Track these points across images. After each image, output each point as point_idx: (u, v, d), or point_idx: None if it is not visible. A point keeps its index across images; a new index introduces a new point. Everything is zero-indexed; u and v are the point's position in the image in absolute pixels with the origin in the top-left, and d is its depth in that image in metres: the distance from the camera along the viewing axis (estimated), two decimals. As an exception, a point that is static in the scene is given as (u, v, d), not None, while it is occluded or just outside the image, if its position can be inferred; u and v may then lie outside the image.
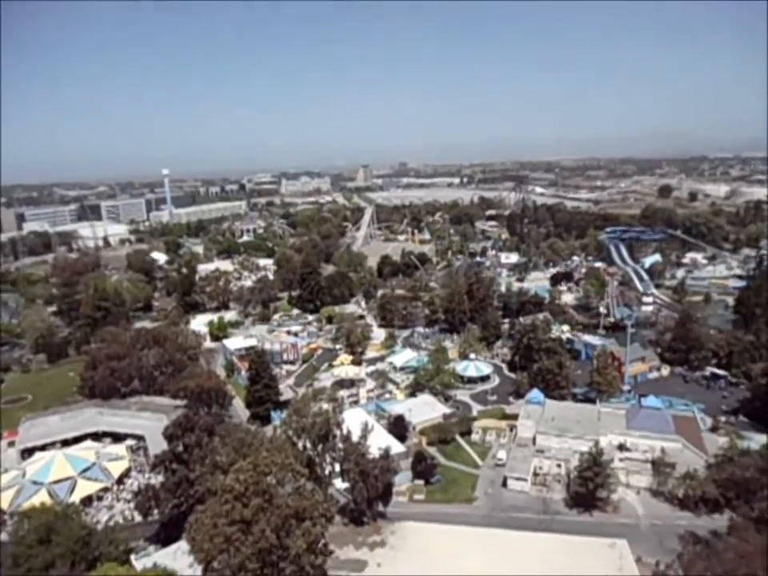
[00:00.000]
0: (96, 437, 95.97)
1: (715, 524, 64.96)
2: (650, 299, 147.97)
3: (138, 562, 60.76)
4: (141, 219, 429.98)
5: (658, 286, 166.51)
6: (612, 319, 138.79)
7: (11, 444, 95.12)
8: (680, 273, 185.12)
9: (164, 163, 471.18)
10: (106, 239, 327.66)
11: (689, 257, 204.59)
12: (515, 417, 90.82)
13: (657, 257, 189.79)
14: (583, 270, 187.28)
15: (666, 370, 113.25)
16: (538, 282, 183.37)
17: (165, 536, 67.80)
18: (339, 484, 70.54)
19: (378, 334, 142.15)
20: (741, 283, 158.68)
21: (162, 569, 55.43)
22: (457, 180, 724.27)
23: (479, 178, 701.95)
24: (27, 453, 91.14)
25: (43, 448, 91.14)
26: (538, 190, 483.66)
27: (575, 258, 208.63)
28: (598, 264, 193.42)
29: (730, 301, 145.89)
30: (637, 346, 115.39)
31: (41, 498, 73.63)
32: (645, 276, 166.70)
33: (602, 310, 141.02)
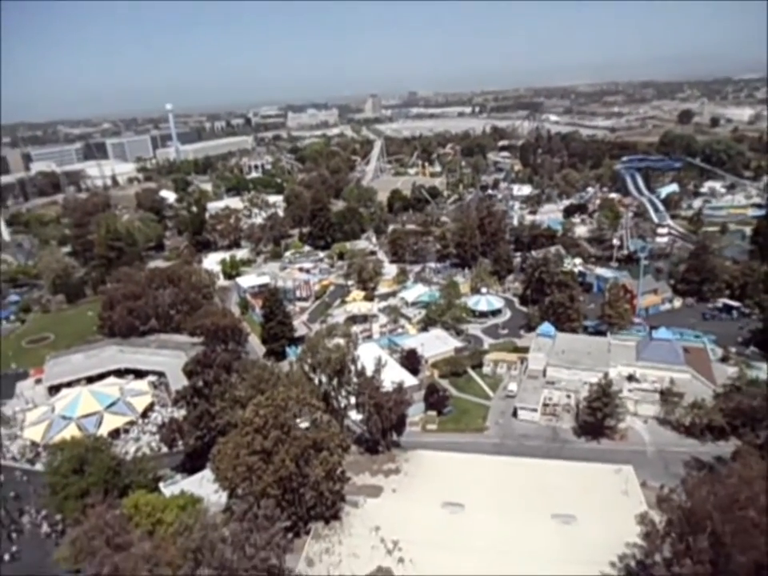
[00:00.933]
0: (118, 373, 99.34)
1: (720, 451, 66.76)
2: (664, 230, 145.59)
3: (167, 489, 64.32)
4: (147, 157, 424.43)
5: (674, 217, 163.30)
6: (625, 251, 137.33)
7: (38, 381, 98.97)
8: (697, 202, 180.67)
9: (167, 98, 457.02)
10: (113, 178, 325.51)
11: (707, 186, 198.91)
12: (526, 350, 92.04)
13: (674, 186, 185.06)
14: (597, 202, 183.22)
15: (678, 302, 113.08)
16: (551, 214, 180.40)
17: (190, 465, 71.39)
18: (354, 416, 72.93)
19: (390, 269, 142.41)
20: (759, 212, 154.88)
21: (190, 495, 58.68)
22: (468, 109, 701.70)
23: (491, 107, 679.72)
24: (54, 389, 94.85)
25: (69, 385, 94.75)
26: (553, 118, 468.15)
27: (590, 188, 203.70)
28: (613, 195, 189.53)
29: (748, 231, 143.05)
30: (650, 278, 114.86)
31: (71, 431, 77.40)
32: (660, 206, 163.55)
33: (616, 242, 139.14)
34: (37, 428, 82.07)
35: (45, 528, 64.83)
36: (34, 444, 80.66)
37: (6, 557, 61.76)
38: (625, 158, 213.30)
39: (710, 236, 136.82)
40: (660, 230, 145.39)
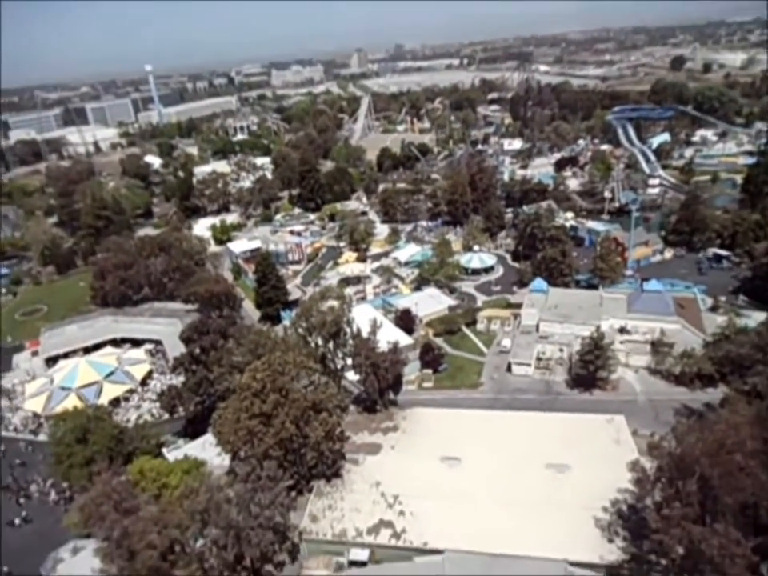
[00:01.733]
0: (115, 343, 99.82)
1: (709, 398, 68.62)
2: (656, 181, 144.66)
3: (170, 454, 65.73)
4: (129, 121, 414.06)
5: (665, 167, 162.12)
6: (617, 204, 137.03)
7: (35, 353, 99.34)
8: (689, 152, 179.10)
9: (146, 58, 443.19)
10: (96, 144, 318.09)
11: (699, 134, 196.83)
12: (519, 306, 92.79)
13: (665, 136, 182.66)
14: (589, 154, 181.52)
15: (669, 253, 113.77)
16: (542, 168, 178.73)
17: (191, 430, 72.80)
18: (351, 376, 73.96)
19: (381, 229, 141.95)
20: (751, 160, 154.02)
21: (193, 459, 59.98)
22: (456, 61, 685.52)
23: (480, 58, 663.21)
24: (51, 361, 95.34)
25: (65, 356, 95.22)
26: (543, 68, 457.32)
27: (581, 141, 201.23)
28: (605, 146, 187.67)
29: (739, 179, 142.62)
30: (641, 230, 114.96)
31: (71, 401, 78.40)
32: (652, 157, 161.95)
33: (607, 194, 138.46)
34: (37, 399, 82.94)
35: (53, 495, 66.45)
36: (35, 415, 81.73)
37: (17, 521, 63.50)
38: (616, 109, 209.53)
39: (700, 186, 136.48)
40: (651, 181, 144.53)
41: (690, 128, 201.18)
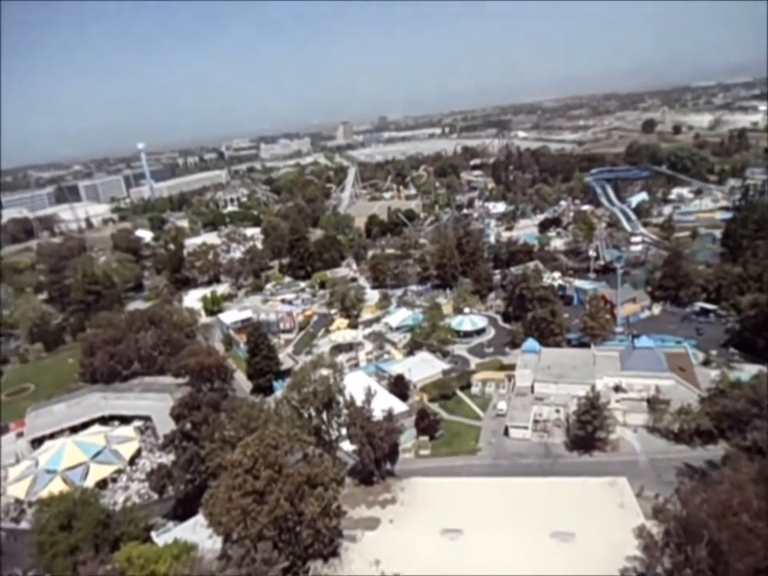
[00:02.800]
0: (103, 421, 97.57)
1: (710, 455, 67.61)
2: (638, 239, 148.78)
3: (159, 539, 62.77)
4: (121, 196, 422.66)
5: (645, 225, 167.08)
6: (602, 262, 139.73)
7: (20, 435, 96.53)
8: (667, 209, 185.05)
9: (138, 137, 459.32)
10: (88, 220, 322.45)
11: (675, 192, 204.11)
12: (513, 367, 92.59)
13: (643, 195, 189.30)
14: (571, 214, 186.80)
15: (657, 309, 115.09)
16: (526, 229, 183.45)
17: (182, 511, 69.92)
18: (347, 446, 72.33)
19: (372, 295, 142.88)
20: (727, 215, 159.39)
21: (183, 543, 57.23)
22: (438, 130, 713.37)
23: (461, 126, 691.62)
24: (37, 442, 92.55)
25: (51, 436, 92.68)
26: (521, 134, 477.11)
27: (562, 202, 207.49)
28: (586, 207, 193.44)
29: (718, 234, 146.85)
30: (627, 287, 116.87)
31: (56, 485, 75.58)
32: (632, 215, 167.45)
33: (592, 253, 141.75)
34: (21, 484, 79.84)
35: (34, 589, 62.73)
36: (18, 501, 78.39)
37: None
38: (594, 170, 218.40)
39: (682, 241, 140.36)
40: (634, 239, 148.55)
41: (666, 186, 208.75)
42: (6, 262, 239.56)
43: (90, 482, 77.95)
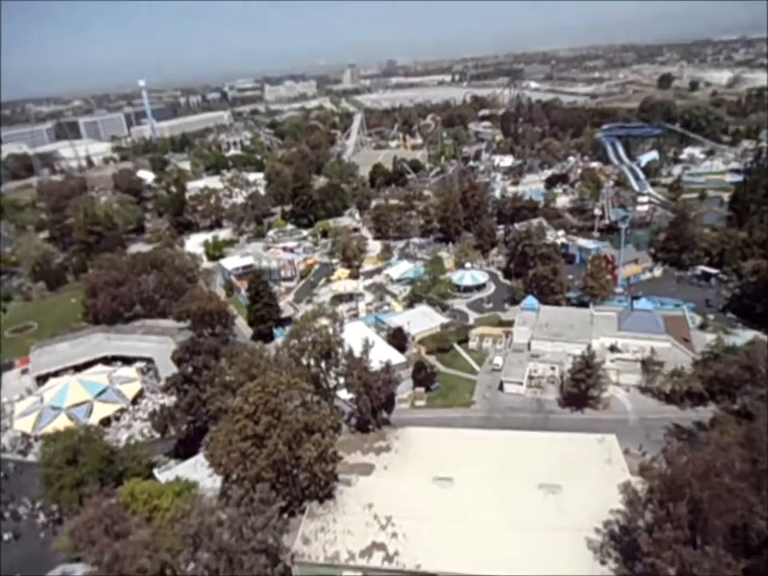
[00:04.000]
0: (106, 361, 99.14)
1: (699, 416, 69.34)
2: (645, 199, 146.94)
3: (161, 475, 65.19)
4: (122, 135, 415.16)
5: (654, 185, 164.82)
6: (607, 221, 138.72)
7: (24, 371, 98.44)
8: (677, 169, 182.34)
9: (139, 73, 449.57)
10: (88, 159, 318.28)
11: (686, 152, 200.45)
12: (511, 323, 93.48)
13: (654, 154, 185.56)
14: (579, 171, 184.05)
15: (658, 271, 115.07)
16: (533, 185, 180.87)
17: (183, 450, 72.30)
18: (344, 394, 73.91)
19: (374, 246, 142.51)
20: (737, 178, 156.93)
21: (185, 480, 59.55)
22: (448, 77, 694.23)
23: (472, 74, 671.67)
24: (41, 379, 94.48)
25: (56, 374, 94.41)
26: (533, 85, 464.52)
27: (571, 158, 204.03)
28: (594, 164, 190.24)
29: (726, 197, 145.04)
30: (630, 248, 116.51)
31: (61, 421, 77.77)
32: (641, 175, 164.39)
33: (597, 212, 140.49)
34: (27, 419, 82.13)
35: (42, 518, 65.61)
36: (24, 435, 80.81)
37: (6, 536, 63.38)
38: (605, 126, 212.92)
39: (689, 204, 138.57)
40: (640, 199, 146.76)
41: (678, 146, 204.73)
42: (6, 198, 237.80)
43: (93, 420, 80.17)
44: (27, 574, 56.43)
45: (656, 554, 41.44)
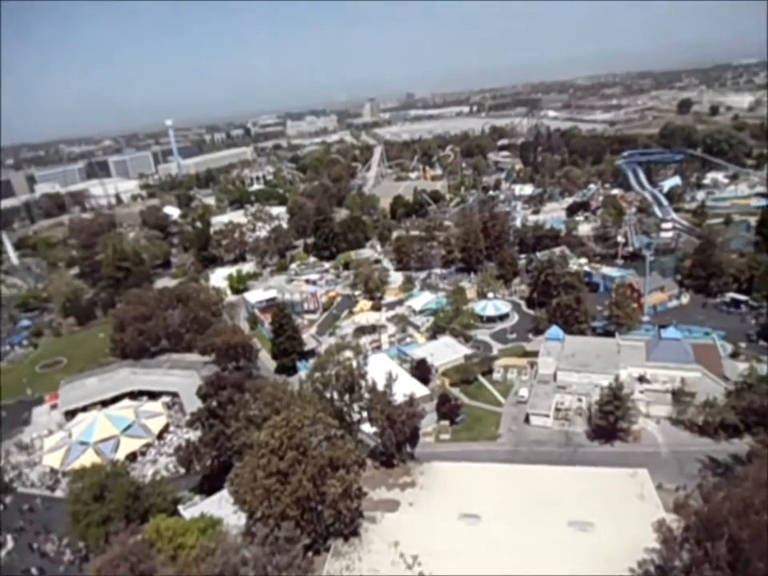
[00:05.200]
0: (132, 396, 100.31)
1: (735, 449, 66.69)
2: (669, 225, 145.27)
3: (186, 512, 65.00)
4: (149, 173, 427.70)
5: (677, 210, 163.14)
6: (630, 248, 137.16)
7: (54, 406, 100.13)
8: (700, 195, 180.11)
9: (166, 112, 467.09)
10: (117, 196, 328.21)
11: (709, 177, 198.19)
12: (535, 354, 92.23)
13: (676, 179, 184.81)
14: (600, 198, 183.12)
15: (685, 298, 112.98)
16: (554, 213, 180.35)
17: (208, 486, 72.06)
18: (368, 428, 73.38)
19: (396, 277, 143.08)
20: (763, 202, 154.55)
21: (209, 517, 59.35)
22: (466, 108, 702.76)
23: (489, 105, 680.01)
24: (70, 414, 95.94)
25: (84, 409, 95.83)
26: (551, 113, 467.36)
27: (591, 185, 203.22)
28: (616, 191, 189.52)
29: (753, 221, 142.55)
30: (656, 275, 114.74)
31: (89, 456, 78.59)
32: (664, 201, 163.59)
33: (620, 239, 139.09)
34: (55, 454, 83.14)
35: (68, 555, 65.81)
36: (53, 471, 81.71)
37: (34, 570, 64.20)
38: (626, 153, 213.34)
39: (714, 229, 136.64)
40: (664, 225, 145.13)
41: (701, 171, 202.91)
42: (40, 236, 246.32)
43: (120, 455, 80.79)
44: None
45: (695, 596, 39.78)
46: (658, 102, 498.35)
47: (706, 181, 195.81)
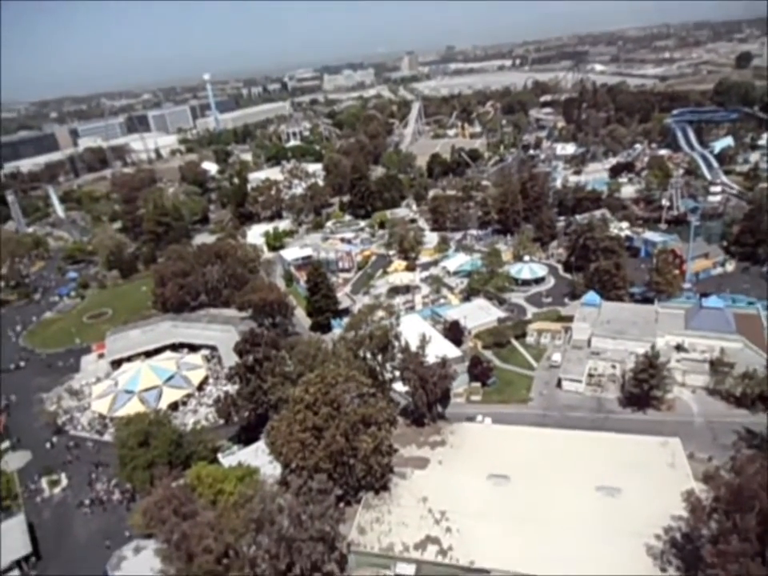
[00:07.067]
0: (173, 348, 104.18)
1: (772, 421, 65.73)
2: (718, 188, 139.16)
3: (225, 460, 68.35)
4: (188, 127, 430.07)
5: (728, 173, 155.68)
6: (675, 212, 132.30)
7: (101, 356, 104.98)
8: (754, 156, 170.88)
9: (203, 65, 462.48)
10: (157, 151, 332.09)
11: (765, 137, 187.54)
12: (570, 319, 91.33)
13: (728, 140, 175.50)
14: (646, 159, 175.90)
15: (730, 266, 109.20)
16: (596, 174, 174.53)
17: (245, 437, 75.40)
18: (399, 387, 74.69)
19: (431, 237, 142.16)
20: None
21: (247, 466, 62.27)
22: (509, 62, 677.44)
23: (533, 58, 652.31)
24: (115, 363, 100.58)
25: (128, 359, 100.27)
26: (598, 68, 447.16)
27: (637, 145, 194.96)
28: (663, 151, 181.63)
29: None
30: (701, 241, 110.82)
31: (134, 404, 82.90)
32: (714, 162, 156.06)
33: (665, 202, 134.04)
34: (103, 401, 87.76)
35: (117, 495, 70.32)
36: (101, 416, 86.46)
37: (87, 501, 69.83)
38: (676, 111, 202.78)
39: (766, 193, 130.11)
40: (713, 188, 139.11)
41: (756, 131, 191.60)
42: (83, 190, 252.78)
43: (163, 404, 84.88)
44: (109, 545, 60.85)
45: (720, 566, 40.11)
46: (714, 56, 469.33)
47: (762, 141, 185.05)
